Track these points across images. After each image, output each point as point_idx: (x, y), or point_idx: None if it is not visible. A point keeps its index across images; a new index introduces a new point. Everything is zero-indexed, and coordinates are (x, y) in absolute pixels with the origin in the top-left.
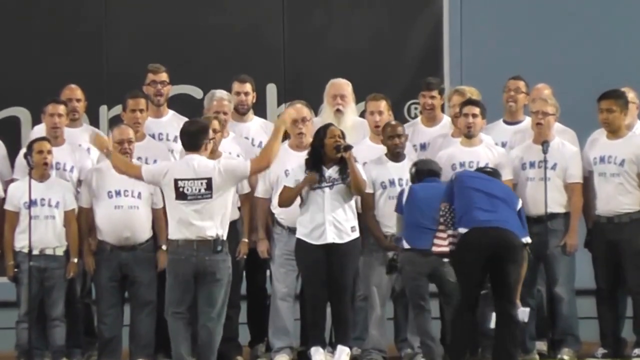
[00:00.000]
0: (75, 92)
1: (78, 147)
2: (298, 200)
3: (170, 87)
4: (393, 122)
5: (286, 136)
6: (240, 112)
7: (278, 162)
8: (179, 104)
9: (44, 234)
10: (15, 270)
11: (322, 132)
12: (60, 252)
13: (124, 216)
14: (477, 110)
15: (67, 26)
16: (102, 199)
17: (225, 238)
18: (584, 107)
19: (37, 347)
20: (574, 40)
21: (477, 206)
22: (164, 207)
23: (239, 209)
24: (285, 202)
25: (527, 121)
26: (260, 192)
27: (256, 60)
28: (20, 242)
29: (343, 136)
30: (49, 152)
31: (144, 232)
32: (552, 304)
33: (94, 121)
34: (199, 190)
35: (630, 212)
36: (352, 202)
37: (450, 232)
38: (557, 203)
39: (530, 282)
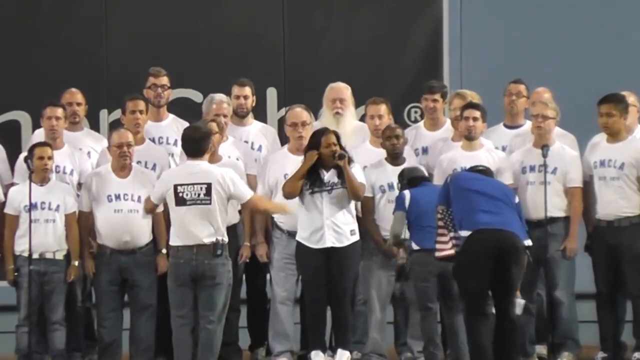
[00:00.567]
0: (75, 96)
1: (78, 151)
2: (298, 204)
3: (170, 90)
4: (392, 125)
5: (286, 140)
6: (239, 116)
7: (277, 165)
8: (179, 107)
9: (44, 237)
10: (15, 274)
11: (317, 138)
12: (60, 255)
13: (123, 220)
14: (477, 114)
15: (68, 30)
16: (102, 202)
17: (225, 242)
18: (583, 111)
19: (37, 351)
20: (574, 43)
21: (478, 208)
22: (165, 211)
23: (240, 212)
24: (289, 189)
25: (528, 125)
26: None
27: (256, 64)
28: (21, 246)
29: (339, 140)
30: (50, 158)
31: (144, 236)
32: (552, 308)
33: (95, 125)
34: (198, 195)
35: (630, 216)
36: (352, 206)
37: (452, 234)
38: (557, 207)
39: (530, 286)
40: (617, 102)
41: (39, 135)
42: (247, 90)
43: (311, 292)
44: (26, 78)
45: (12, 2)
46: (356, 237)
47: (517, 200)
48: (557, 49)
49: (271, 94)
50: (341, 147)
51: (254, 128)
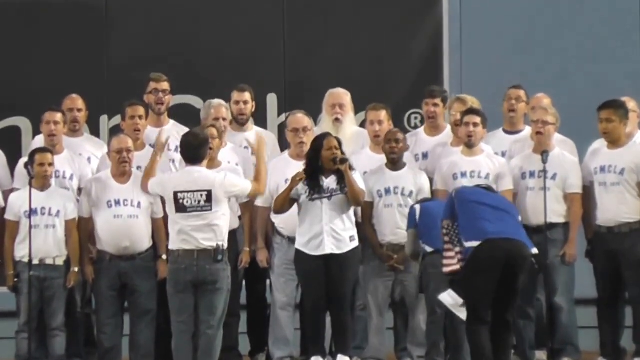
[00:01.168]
0: (76, 102)
1: (78, 156)
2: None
3: (171, 96)
4: (393, 129)
5: (285, 145)
6: (239, 122)
7: (278, 171)
8: (179, 113)
9: (44, 243)
10: (15, 280)
11: (318, 143)
12: (60, 261)
13: (123, 226)
14: (478, 120)
15: (68, 36)
16: (102, 208)
17: (225, 247)
18: (583, 117)
19: (37, 357)
20: (574, 49)
21: (484, 218)
22: (164, 217)
23: (240, 217)
24: (277, 207)
25: (527, 130)
26: (260, 201)
27: (256, 70)
28: (21, 252)
29: (340, 146)
30: (50, 164)
31: (144, 242)
32: (552, 314)
33: (95, 131)
34: (199, 202)
35: (631, 221)
36: (351, 212)
37: (457, 249)
38: (556, 213)
39: (530, 292)
40: (617, 108)
41: (39, 141)
42: (247, 96)
43: (311, 298)
44: (26, 84)
45: (12, 7)
46: (355, 243)
47: (520, 219)
48: (556, 55)
49: (271, 100)
50: (342, 153)
51: (253, 134)
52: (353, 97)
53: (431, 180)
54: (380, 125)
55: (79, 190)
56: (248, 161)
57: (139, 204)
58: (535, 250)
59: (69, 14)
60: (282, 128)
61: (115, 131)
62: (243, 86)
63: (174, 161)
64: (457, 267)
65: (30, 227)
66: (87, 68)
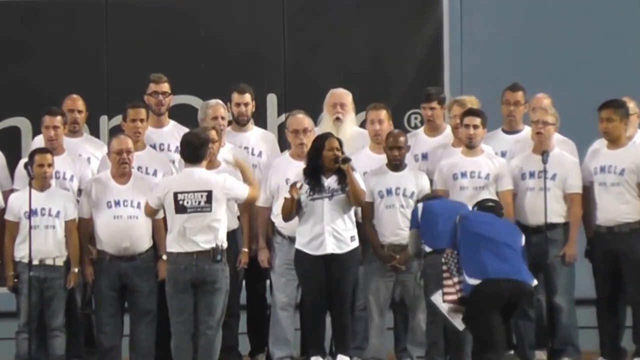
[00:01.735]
0: (76, 102)
1: (78, 157)
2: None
3: (171, 97)
4: (395, 132)
5: (285, 145)
6: (240, 124)
7: (279, 171)
8: (178, 113)
9: (44, 243)
10: (15, 280)
11: (319, 143)
12: (60, 262)
13: (123, 226)
14: (478, 121)
15: (68, 36)
16: (102, 209)
17: (224, 247)
18: (583, 117)
19: (37, 357)
20: (574, 50)
21: (485, 255)
22: (164, 218)
23: (239, 218)
24: (284, 215)
25: (527, 130)
26: (260, 201)
27: (256, 70)
28: (20, 252)
29: (341, 146)
30: (50, 165)
31: (144, 242)
32: (552, 314)
33: (95, 131)
34: (199, 202)
35: (630, 221)
36: (352, 212)
37: (456, 279)
38: (556, 213)
39: None
40: (617, 108)
41: (39, 141)
42: (247, 97)
43: (311, 298)
44: (26, 84)
45: (13, 8)
46: (356, 244)
47: (523, 242)
48: (556, 56)
49: (271, 100)
50: (343, 153)
51: (254, 134)
52: (353, 97)
53: (431, 181)
54: (381, 124)
55: (79, 191)
56: (247, 161)
57: (139, 204)
58: (535, 282)
59: (69, 14)
60: (282, 128)
61: (115, 132)
62: (243, 87)
63: (174, 162)
64: (456, 297)
65: (30, 227)
66: (87, 68)
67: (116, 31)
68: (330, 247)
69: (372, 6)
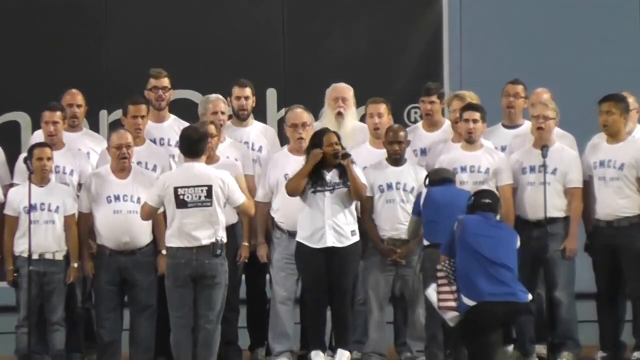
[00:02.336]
0: (76, 97)
1: (78, 152)
2: (299, 204)
3: (171, 92)
4: (396, 127)
5: (285, 140)
6: (240, 118)
7: (278, 166)
8: (179, 108)
9: (43, 238)
10: (15, 275)
11: (318, 139)
12: (60, 256)
13: (123, 221)
14: (477, 116)
15: (68, 31)
16: (102, 204)
17: (224, 242)
18: (583, 112)
19: (37, 351)
20: (574, 44)
21: (481, 278)
22: (164, 213)
23: (238, 213)
24: (294, 186)
25: (527, 125)
26: (260, 197)
27: (256, 65)
28: (20, 247)
29: (339, 140)
30: (49, 159)
31: (144, 237)
32: (552, 308)
33: (94, 126)
34: (200, 197)
35: (630, 216)
36: (353, 207)
37: (454, 287)
38: (557, 208)
39: (530, 286)
40: (618, 102)
41: (39, 136)
42: (248, 92)
43: (311, 292)
44: (26, 79)
45: (12, 3)
46: (357, 238)
47: (518, 244)
48: (556, 50)
49: (271, 94)
50: (342, 148)
51: (254, 129)
52: (353, 92)
53: None
54: (380, 118)
55: (79, 185)
56: (247, 156)
57: (139, 199)
58: (530, 297)
59: (69, 9)
60: (281, 123)
61: (115, 126)
62: (244, 81)
63: (174, 157)
64: (454, 304)
65: (30, 222)
66: (86, 63)
67: (116, 26)
68: (331, 240)
69: (372, 1)
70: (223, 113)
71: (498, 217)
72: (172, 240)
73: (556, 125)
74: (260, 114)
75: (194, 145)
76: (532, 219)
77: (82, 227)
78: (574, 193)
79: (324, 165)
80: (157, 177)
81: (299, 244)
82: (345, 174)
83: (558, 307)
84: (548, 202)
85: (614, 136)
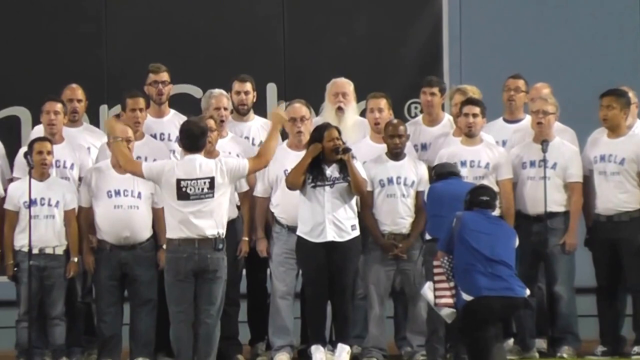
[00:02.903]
0: (76, 92)
1: (78, 146)
2: (298, 198)
3: (171, 86)
4: (395, 121)
5: (286, 135)
6: (240, 113)
7: (277, 161)
8: (179, 103)
9: (43, 233)
10: (15, 269)
11: (319, 134)
12: (60, 251)
13: (123, 216)
14: (477, 110)
15: (68, 25)
16: (102, 198)
17: (224, 236)
18: (583, 106)
19: (37, 346)
20: (573, 39)
21: (479, 274)
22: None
23: (238, 207)
24: (293, 179)
25: (527, 119)
26: (259, 192)
27: (256, 59)
28: (20, 241)
29: (340, 135)
30: (49, 152)
31: (144, 232)
32: (552, 302)
33: (94, 120)
34: (202, 189)
35: (630, 210)
36: (353, 201)
37: (452, 283)
38: (556, 202)
39: (530, 280)
40: (618, 96)
41: (39, 130)
42: (248, 86)
43: (311, 286)
44: (26, 74)
45: None
46: (357, 232)
47: (516, 243)
48: (556, 44)
49: (271, 89)
50: (343, 143)
51: (255, 124)
52: (353, 86)
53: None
54: (380, 113)
55: (80, 179)
56: (249, 151)
57: (139, 194)
58: (528, 292)
59: (69, 4)
60: None
61: None
62: (244, 76)
63: (174, 152)
64: (451, 301)
65: (30, 217)
66: (86, 58)
67: (116, 20)
68: (331, 234)
69: None
70: (225, 109)
71: (498, 212)
72: (174, 232)
73: (556, 119)
74: (260, 109)
75: (195, 139)
76: (532, 213)
77: (82, 221)
78: (573, 187)
79: (324, 160)
80: None
81: (299, 238)
82: (345, 168)
83: (558, 302)
84: (548, 196)
85: (614, 130)
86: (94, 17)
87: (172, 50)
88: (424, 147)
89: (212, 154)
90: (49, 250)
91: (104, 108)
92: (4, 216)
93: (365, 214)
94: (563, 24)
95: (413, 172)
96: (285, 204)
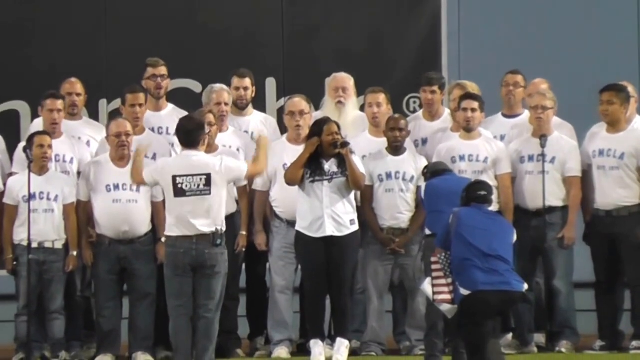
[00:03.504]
0: (75, 86)
1: (77, 140)
2: (297, 193)
3: (169, 80)
4: (396, 115)
5: (286, 130)
6: (239, 107)
7: (276, 155)
8: (178, 98)
9: (43, 227)
10: (14, 263)
11: (318, 128)
12: (59, 245)
13: (122, 210)
14: (475, 105)
15: (67, 19)
16: (101, 192)
17: (223, 231)
18: (581, 101)
19: (36, 340)
20: (571, 34)
21: (476, 269)
22: (164, 201)
23: (237, 202)
24: (291, 175)
25: (526, 114)
26: (258, 185)
27: (256, 54)
28: (20, 235)
29: (339, 130)
30: (49, 146)
31: (143, 226)
32: (550, 297)
33: (94, 115)
34: (198, 186)
35: (630, 205)
36: (352, 195)
37: (450, 280)
38: (555, 196)
39: (528, 275)
40: (619, 91)
41: (38, 125)
42: (247, 82)
43: (310, 281)
44: (25, 68)
45: None
46: (356, 227)
47: (514, 238)
48: (554, 40)
49: (270, 84)
50: (342, 137)
51: (254, 118)
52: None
53: None
54: (379, 107)
55: (79, 173)
56: (249, 145)
57: (138, 188)
58: (525, 287)
59: None
60: (281, 112)
61: (114, 115)
62: (243, 71)
63: (173, 145)
64: (449, 297)
65: (29, 211)
66: (86, 52)
67: (115, 14)
68: (330, 229)
69: None
70: (226, 104)
71: (496, 207)
72: (171, 229)
73: (554, 114)
74: (259, 104)
75: (189, 134)
76: (531, 208)
77: (80, 215)
78: (572, 182)
79: (322, 155)
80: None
81: (298, 233)
82: (343, 163)
83: (556, 296)
84: (546, 191)
85: (614, 125)
86: (94, 10)
87: (171, 45)
88: (424, 142)
89: (211, 148)
90: (48, 245)
91: (103, 102)
92: (3, 210)
93: (365, 208)
94: (561, 19)
95: (413, 167)
96: (285, 198)
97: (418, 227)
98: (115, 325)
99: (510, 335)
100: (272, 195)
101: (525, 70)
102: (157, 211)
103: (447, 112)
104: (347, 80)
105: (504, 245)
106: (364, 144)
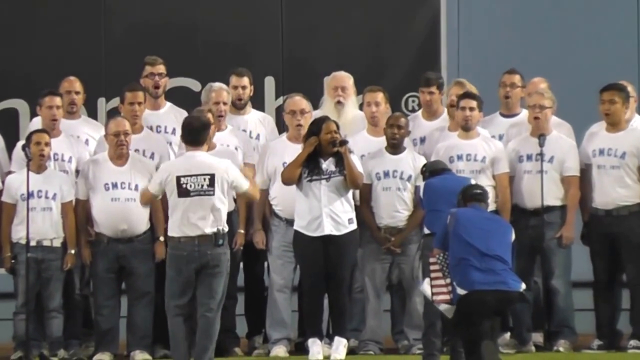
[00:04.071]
0: (74, 84)
1: (76, 139)
2: (296, 192)
3: (167, 79)
4: (397, 113)
5: (283, 128)
6: (237, 107)
7: (276, 154)
8: (176, 96)
9: (41, 225)
10: (13, 261)
11: (316, 126)
12: (57, 243)
13: (120, 209)
14: (474, 104)
15: (66, 18)
16: (99, 191)
17: (225, 231)
18: (580, 101)
19: (35, 338)
20: (570, 33)
21: (473, 268)
22: (162, 199)
23: (235, 200)
24: (288, 175)
25: (524, 114)
26: (257, 184)
27: (254, 53)
28: (18, 234)
29: (338, 129)
30: (47, 144)
31: (141, 225)
32: (549, 296)
33: (92, 113)
34: (202, 186)
35: (629, 204)
36: (350, 194)
37: (448, 280)
38: (553, 196)
39: (526, 274)
40: (620, 90)
41: (37, 123)
42: (245, 81)
43: (309, 280)
44: (24, 66)
45: None
46: (354, 226)
47: (513, 237)
48: (553, 39)
49: (269, 82)
50: (340, 136)
51: (252, 117)
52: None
53: None
54: (377, 106)
55: (77, 172)
56: (248, 144)
57: (136, 186)
58: (522, 287)
59: None
60: (279, 111)
61: (112, 114)
62: (241, 70)
63: (171, 144)
64: (448, 297)
65: (28, 209)
66: (85, 50)
67: (114, 13)
68: (328, 228)
69: None
70: (225, 103)
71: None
72: (174, 229)
73: (553, 113)
74: (258, 102)
75: (197, 133)
76: (529, 207)
77: (79, 213)
78: (570, 181)
79: (321, 153)
80: (155, 164)
81: (296, 232)
82: (341, 162)
83: (554, 295)
84: (545, 190)
85: (615, 125)
86: (92, 9)
87: (170, 44)
88: (422, 140)
89: (209, 146)
90: (46, 243)
91: (102, 101)
92: (2, 208)
93: (363, 207)
94: (560, 19)
95: (410, 166)
96: (284, 197)
97: (415, 226)
98: (114, 324)
99: (508, 335)
100: (271, 194)
101: (524, 70)
102: (156, 209)
103: (446, 111)
104: (346, 79)
105: (502, 244)
106: (362, 143)
